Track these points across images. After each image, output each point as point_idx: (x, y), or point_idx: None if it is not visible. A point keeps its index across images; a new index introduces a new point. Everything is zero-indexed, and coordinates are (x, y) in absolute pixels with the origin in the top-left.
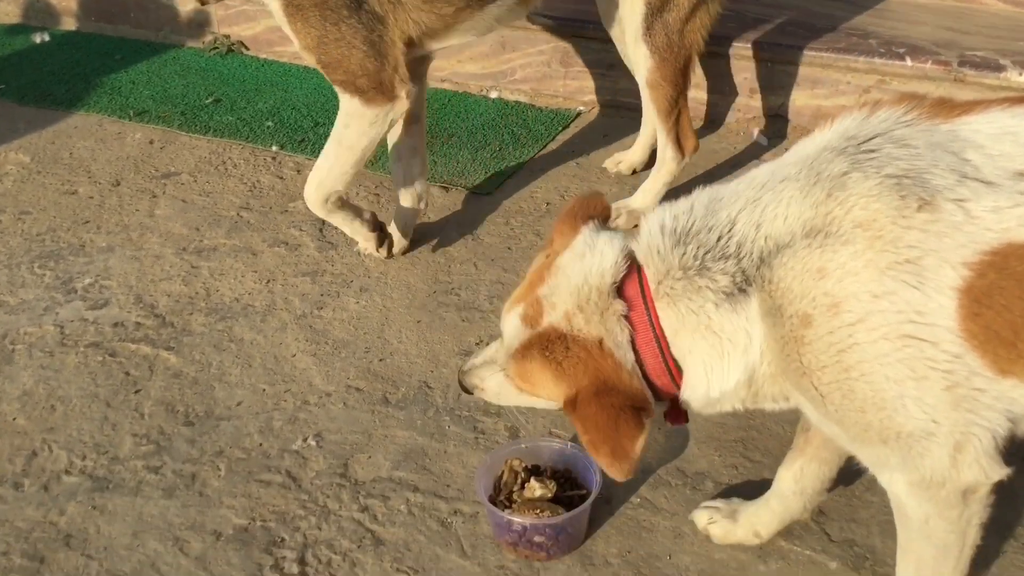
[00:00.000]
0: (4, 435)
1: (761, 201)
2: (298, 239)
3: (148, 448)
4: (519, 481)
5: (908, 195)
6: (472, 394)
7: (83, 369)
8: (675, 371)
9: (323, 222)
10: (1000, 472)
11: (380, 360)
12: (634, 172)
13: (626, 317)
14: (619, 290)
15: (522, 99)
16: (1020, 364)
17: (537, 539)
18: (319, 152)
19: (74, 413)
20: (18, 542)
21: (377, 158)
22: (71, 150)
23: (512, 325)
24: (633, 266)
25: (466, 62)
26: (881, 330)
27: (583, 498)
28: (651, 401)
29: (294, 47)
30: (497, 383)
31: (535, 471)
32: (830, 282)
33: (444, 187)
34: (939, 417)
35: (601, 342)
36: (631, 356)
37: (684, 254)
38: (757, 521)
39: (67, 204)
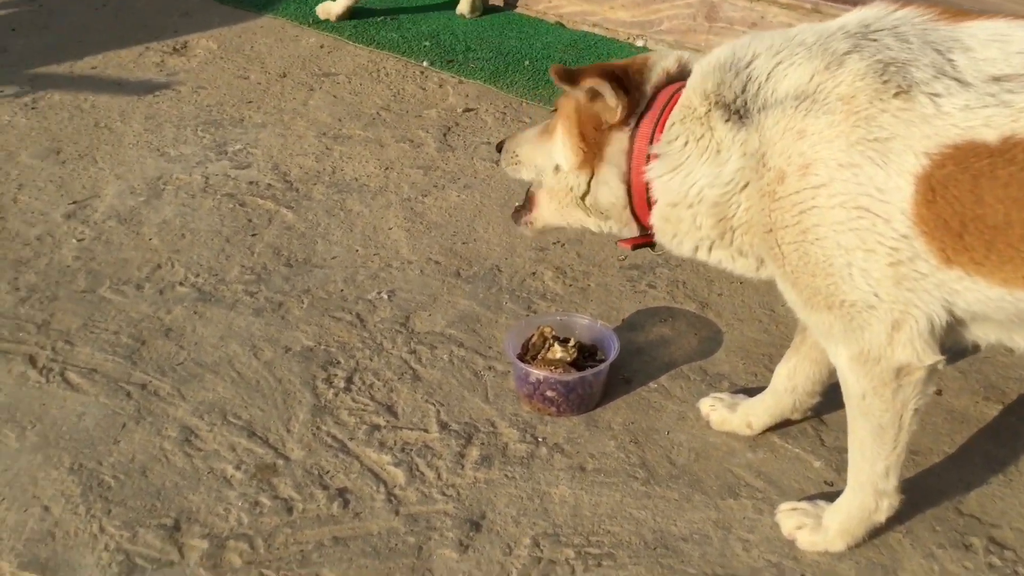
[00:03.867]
0: (139, 250)
1: (780, 55)
2: (423, 139)
3: (250, 278)
4: (546, 345)
5: (889, 80)
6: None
7: (215, 211)
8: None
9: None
10: (933, 357)
11: (463, 243)
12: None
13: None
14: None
15: None
16: (965, 256)
17: (549, 394)
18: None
19: (199, 242)
20: (128, 327)
21: None
22: (252, 44)
23: None
24: (673, 87)
25: (618, 9)
26: (839, 197)
27: None
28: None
29: None
30: None
31: (563, 340)
32: (806, 144)
33: None
34: (881, 292)
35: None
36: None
37: (717, 81)
38: (751, 413)
39: (237, 86)
